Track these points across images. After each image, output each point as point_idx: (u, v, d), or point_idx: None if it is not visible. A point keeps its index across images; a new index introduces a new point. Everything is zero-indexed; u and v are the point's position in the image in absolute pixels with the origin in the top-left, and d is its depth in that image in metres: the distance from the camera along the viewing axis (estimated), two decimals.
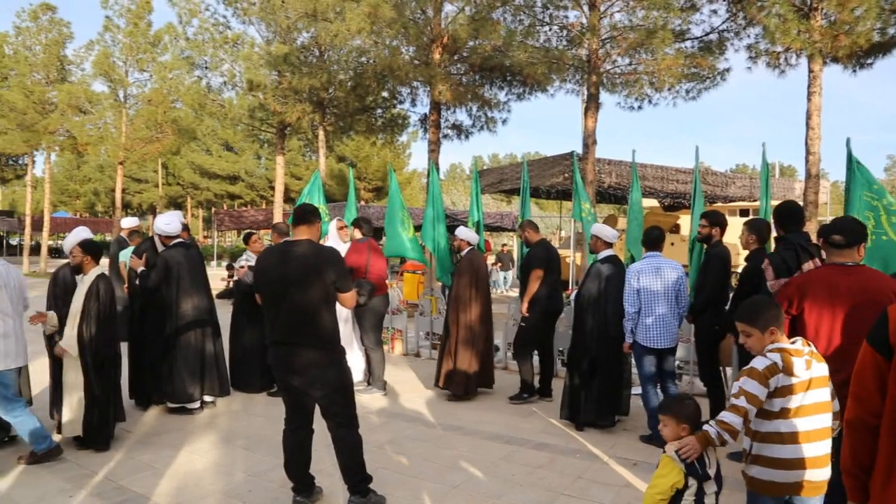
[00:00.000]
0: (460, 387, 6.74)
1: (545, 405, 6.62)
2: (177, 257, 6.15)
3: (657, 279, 5.43)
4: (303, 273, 3.81)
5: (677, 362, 7.15)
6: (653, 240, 5.61)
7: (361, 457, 4.01)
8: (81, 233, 5.75)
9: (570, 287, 13.70)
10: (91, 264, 5.12)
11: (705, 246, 5.78)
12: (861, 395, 2.15)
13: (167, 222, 6.29)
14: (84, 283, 5.06)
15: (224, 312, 6.83)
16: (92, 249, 5.17)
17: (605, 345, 5.69)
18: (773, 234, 5.36)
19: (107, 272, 5.33)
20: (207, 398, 6.35)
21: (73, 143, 24.92)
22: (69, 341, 4.90)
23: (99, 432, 5.05)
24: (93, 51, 24.10)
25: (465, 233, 7.14)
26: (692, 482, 2.81)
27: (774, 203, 6.03)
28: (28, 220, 28.45)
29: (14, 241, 45.05)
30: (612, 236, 5.90)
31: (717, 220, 5.65)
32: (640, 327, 5.44)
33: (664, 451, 2.90)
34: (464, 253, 7.05)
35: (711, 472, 2.85)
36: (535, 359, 7.00)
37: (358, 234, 7.11)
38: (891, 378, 2.12)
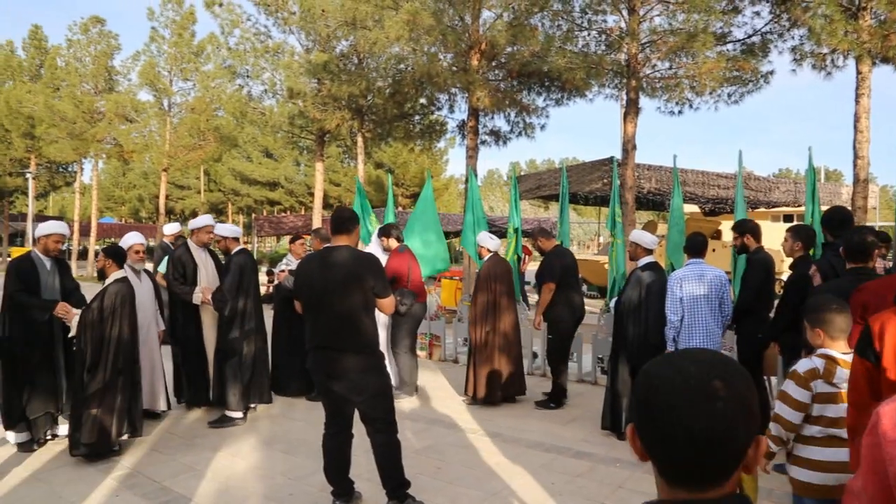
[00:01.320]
0: (484, 393, 6.69)
1: (586, 413, 6.55)
2: (248, 265, 6.24)
3: (700, 286, 5.28)
4: (343, 279, 3.85)
5: None
6: (696, 246, 5.49)
7: (400, 462, 4.02)
8: (134, 237, 5.97)
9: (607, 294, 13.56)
10: (113, 268, 5.22)
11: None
12: (858, 402, 2.27)
13: (231, 230, 6.46)
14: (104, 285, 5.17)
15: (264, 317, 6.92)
16: (113, 254, 5.27)
17: (646, 353, 5.58)
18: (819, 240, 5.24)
19: (129, 277, 5.41)
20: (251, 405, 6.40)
21: (120, 150, 25.62)
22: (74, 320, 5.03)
23: (77, 439, 4.84)
24: (139, 61, 24.78)
25: (484, 239, 7.01)
26: None
27: (823, 209, 5.90)
28: (76, 226, 29.33)
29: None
30: (652, 242, 5.78)
31: (744, 228, 5.58)
32: (682, 335, 5.31)
33: None
34: (484, 260, 6.95)
35: None
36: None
37: (394, 243, 7.05)
38: (882, 382, 2.23)
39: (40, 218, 39.60)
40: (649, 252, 5.78)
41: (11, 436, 5.19)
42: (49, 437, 5.38)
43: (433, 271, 8.81)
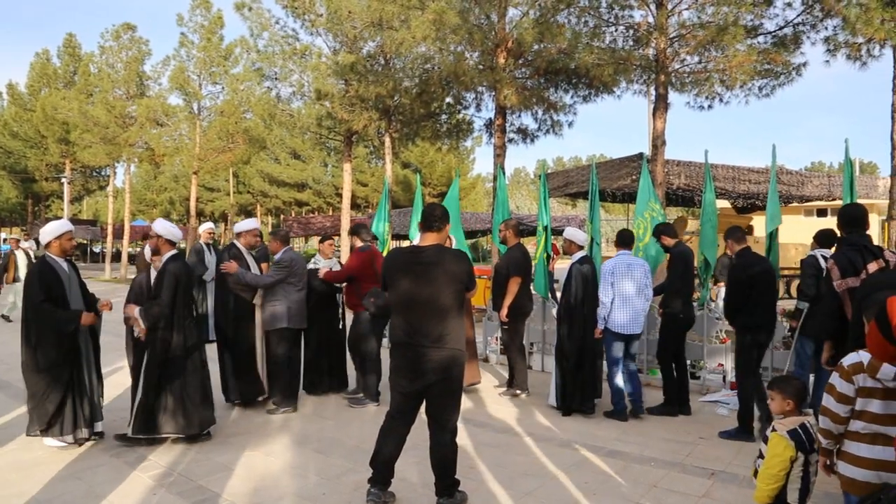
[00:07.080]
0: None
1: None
2: (183, 273, 5.47)
3: (628, 273, 6.24)
4: (429, 276, 3.91)
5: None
6: (625, 239, 6.49)
7: (456, 462, 4.07)
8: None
9: None
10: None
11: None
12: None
13: (168, 230, 5.58)
14: None
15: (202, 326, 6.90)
16: None
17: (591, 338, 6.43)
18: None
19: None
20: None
21: (151, 154, 26.10)
22: None
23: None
24: (169, 66, 25.19)
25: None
26: (800, 455, 3.04)
27: (860, 202, 5.91)
28: (110, 229, 29.92)
29: (97, 249, 47.33)
30: (584, 240, 6.71)
31: (656, 232, 6.75)
32: (612, 316, 6.20)
33: (773, 431, 3.13)
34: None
35: (817, 447, 3.05)
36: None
37: (359, 242, 6.98)
38: None
39: (74, 222, 40.43)
40: (581, 248, 6.64)
41: (50, 441, 5.20)
42: (93, 438, 5.36)
43: None
